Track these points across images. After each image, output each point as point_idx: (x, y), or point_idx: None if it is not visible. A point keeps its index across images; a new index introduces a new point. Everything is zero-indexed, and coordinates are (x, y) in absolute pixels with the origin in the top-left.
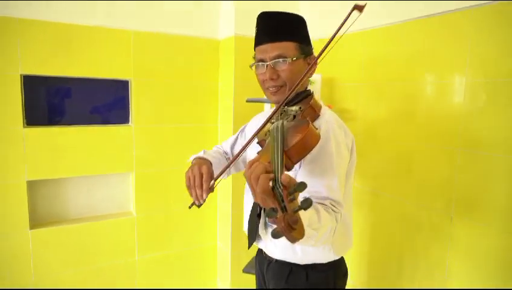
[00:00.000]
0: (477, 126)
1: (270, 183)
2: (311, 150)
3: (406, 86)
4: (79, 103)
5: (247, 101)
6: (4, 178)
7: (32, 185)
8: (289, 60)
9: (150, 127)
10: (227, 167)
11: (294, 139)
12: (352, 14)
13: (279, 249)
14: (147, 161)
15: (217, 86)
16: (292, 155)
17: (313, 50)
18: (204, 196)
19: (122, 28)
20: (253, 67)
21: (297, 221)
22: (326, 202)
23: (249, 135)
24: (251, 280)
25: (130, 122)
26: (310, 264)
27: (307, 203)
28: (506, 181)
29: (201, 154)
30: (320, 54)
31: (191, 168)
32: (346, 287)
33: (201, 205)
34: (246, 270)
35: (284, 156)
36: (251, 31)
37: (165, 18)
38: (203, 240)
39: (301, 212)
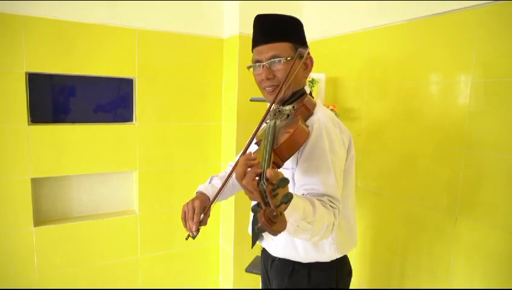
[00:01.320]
0: (483, 126)
1: (256, 179)
2: (300, 146)
3: (410, 85)
4: (83, 100)
5: (251, 100)
6: (9, 175)
7: (36, 183)
8: (283, 59)
9: (154, 125)
10: (213, 200)
11: (283, 137)
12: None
13: (280, 248)
14: (150, 159)
15: (221, 85)
16: (281, 152)
17: (309, 50)
18: (193, 228)
19: (126, 26)
20: (251, 69)
21: (277, 215)
22: (324, 198)
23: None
24: (253, 280)
25: (134, 121)
26: (313, 262)
27: (288, 197)
28: (511, 182)
29: (207, 183)
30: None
31: (187, 202)
32: (350, 287)
33: (195, 236)
34: (248, 269)
35: (273, 154)
36: None
37: (170, 16)
38: (205, 239)
39: (295, 206)
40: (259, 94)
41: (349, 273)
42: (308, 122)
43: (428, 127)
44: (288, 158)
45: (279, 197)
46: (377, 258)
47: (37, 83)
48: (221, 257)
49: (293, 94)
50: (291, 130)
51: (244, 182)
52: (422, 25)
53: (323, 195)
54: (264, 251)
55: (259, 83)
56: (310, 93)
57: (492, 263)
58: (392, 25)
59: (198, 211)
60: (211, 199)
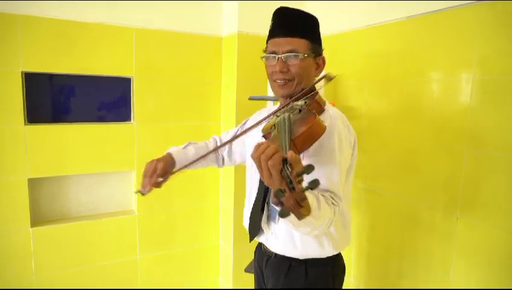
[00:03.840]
0: (484, 124)
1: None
2: (317, 139)
3: (411, 83)
4: (80, 100)
5: (249, 98)
6: (5, 176)
7: (33, 183)
8: (301, 55)
9: (152, 125)
10: (178, 170)
11: (301, 129)
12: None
13: (280, 242)
14: (148, 159)
15: (220, 84)
16: (298, 143)
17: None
18: (147, 188)
19: (124, 25)
20: (264, 59)
21: (305, 199)
22: (327, 195)
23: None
24: (253, 280)
25: (132, 120)
26: (309, 259)
27: (315, 184)
28: None
29: (181, 147)
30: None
31: (152, 160)
32: (349, 286)
33: (144, 194)
34: (247, 270)
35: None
36: (254, 28)
37: (168, 15)
38: (205, 239)
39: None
40: (257, 92)
41: (343, 270)
42: (320, 118)
43: (428, 126)
44: (304, 150)
45: (303, 184)
46: (376, 258)
47: (34, 83)
48: (220, 257)
49: (301, 90)
50: (310, 123)
51: (270, 163)
52: (423, 22)
53: (327, 191)
54: (258, 249)
55: (271, 75)
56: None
57: (493, 263)
58: (392, 22)
59: (158, 173)
60: (176, 166)
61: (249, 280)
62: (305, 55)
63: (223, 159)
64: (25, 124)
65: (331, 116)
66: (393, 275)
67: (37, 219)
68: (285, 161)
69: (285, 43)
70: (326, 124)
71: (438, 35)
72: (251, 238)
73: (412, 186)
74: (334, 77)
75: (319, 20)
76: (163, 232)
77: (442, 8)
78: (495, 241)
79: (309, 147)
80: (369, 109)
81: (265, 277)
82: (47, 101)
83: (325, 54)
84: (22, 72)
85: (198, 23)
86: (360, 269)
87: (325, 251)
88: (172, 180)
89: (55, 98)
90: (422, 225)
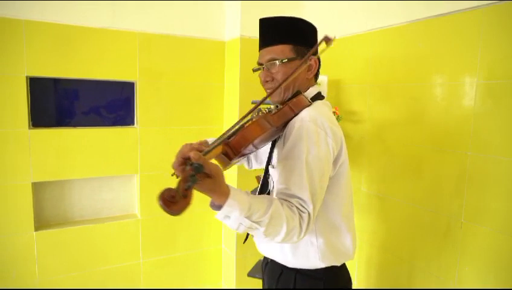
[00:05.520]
0: (488, 129)
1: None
2: (251, 141)
3: (414, 87)
4: (84, 104)
5: (252, 103)
6: (9, 179)
7: (37, 187)
8: (279, 61)
9: (155, 129)
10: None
11: (238, 132)
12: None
13: (267, 246)
14: (151, 163)
15: (223, 88)
16: (233, 146)
17: (318, 50)
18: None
19: (128, 29)
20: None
21: (176, 196)
22: (293, 200)
23: None
24: (256, 284)
25: (135, 124)
26: (299, 268)
27: (190, 182)
28: None
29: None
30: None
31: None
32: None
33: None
34: (250, 274)
35: (223, 146)
36: (256, 33)
37: (171, 20)
38: (207, 243)
39: (235, 204)
40: (260, 97)
41: (343, 286)
42: (291, 122)
43: (432, 130)
44: (240, 152)
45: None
46: (382, 263)
47: (38, 87)
48: (223, 261)
49: (293, 95)
50: (247, 126)
51: (175, 159)
52: (426, 26)
53: (293, 196)
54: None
55: (262, 85)
56: (319, 94)
57: (498, 269)
58: (395, 26)
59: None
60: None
61: (252, 285)
62: (285, 60)
63: (251, 161)
64: (29, 128)
65: (303, 118)
66: (398, 280)
67: (41, 223)
68: (189, 159)
69: (266, 53)
70: (296, 126)
71: (441, 39)
72: (245, 239)
73: (416, 191)
74: (333, 38)
75: (309, 21)
76: (165, 236)
77: (445, 13)
78: (499, 246)
79: (246, 146)
80: (372, 113)
81: (264, 282)
82: (51, 105)
83: (319, 55)
84: (26, 77)
85: (201, 28)
86: (365, 273)
87: (310, 262)
88: (173, 185)
89: (59, 102)
90: (427, 230)
